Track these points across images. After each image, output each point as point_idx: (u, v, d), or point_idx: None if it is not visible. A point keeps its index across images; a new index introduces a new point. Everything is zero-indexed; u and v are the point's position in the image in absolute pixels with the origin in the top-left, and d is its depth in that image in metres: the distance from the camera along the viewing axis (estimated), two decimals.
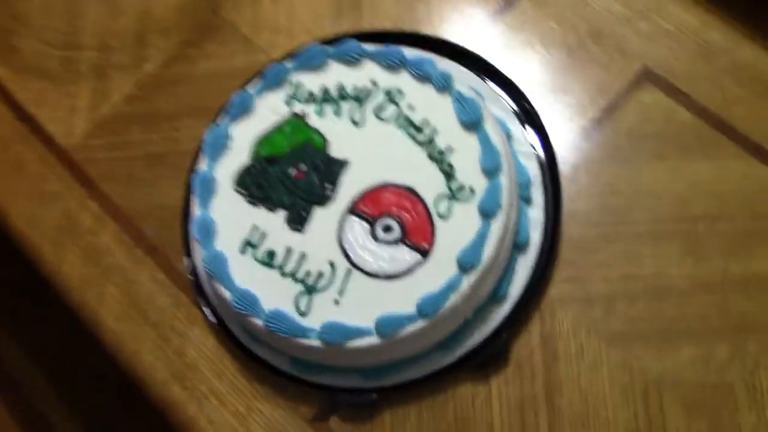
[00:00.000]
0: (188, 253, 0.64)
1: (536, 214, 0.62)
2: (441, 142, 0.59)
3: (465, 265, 0.55)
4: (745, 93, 0.65)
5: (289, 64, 0.64)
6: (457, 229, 0.56)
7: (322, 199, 0.58)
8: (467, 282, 0.55)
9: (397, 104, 0.60)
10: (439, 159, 0.58)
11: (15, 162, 0.72)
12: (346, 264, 0.56)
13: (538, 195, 0.63)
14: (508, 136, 0.63)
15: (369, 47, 0.63)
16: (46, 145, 0.72)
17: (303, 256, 0.57)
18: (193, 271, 0.64)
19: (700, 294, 0.60)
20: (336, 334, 0.54)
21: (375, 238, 0.57)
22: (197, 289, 0.64)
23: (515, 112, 0.65)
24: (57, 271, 0.67)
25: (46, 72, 0.75)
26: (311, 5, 0.73)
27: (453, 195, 0.57)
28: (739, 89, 0.65)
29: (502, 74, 0.67)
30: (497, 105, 0.65)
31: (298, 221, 0.58)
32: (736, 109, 0.65)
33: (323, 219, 0.58)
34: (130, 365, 0.63)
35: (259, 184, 0.59)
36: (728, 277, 0.60)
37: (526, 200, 0.62)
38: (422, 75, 0.61)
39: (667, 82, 0.66)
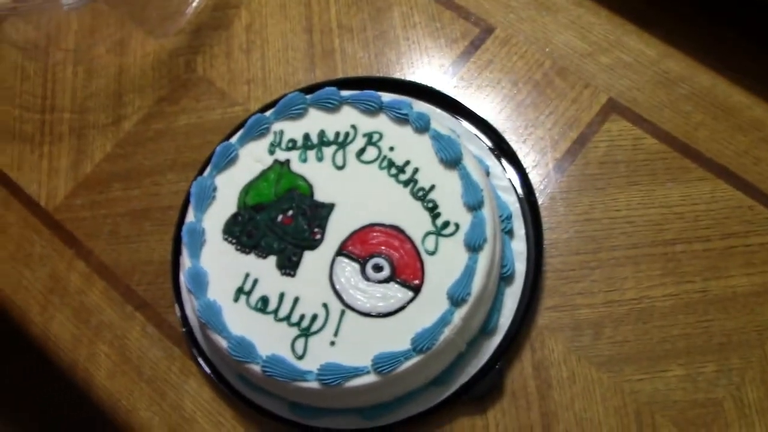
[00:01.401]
0: (180, 306, 0.65)
1: (519, 246, 0.64)
2: (423, 181, 0.60)
3: (455, 298, 0.56)
4: (705, 117, 0.68)
5: (269, 114, 0.65)
6: (445, 264, 0.57)
7: (312, 243, 0.59)
8: (459, 315, 0.56)
9: (377, 146, 0.62)
10: (423, 197, 0.60)
11: None
12: (339, 305, 0.57)
13: (519, 227, 0.64)
14: (486, 172, 0.65)
15: (346, 93, 0.65)
16: (29, 207, 0.72)
17: (296, 300, 0.58)
18: (186, 323, 0.64)
19: (683, 314, 0.62)
20: (334, 375, 0.54)
21: (366, 277, 0.58)
22: (191, 341, 0.64)
23: (490, 149, 0.68)
24: (46, 332, 0.67)
25: (23, 135, 0.75)
26: (285, 57, 0.75)
27: (439, 231, 0.59)
28: (700, 114, 0.69)
29: (475, 113, 0.69)
30: (473, 142, 0.67)
31: (289, 266, 0.59)
32: (698, 133, 0.68)
33: (314, 262, 0.59)
34: (126, 423, 0.63)
35: (248, 232, 0.60)
36: (708, 297, 0.62)
37: (509, 233, 0.64)
38: (400, 117, 0.62)
39: (632, 111, 0.69)
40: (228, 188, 0.62)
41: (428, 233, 0.59)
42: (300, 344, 0.56)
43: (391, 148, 0.62)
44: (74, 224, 0.71)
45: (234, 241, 0.60)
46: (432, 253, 0.58)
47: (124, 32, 0.79)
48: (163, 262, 0.67)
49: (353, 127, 0.63)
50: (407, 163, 0.61)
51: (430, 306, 0.56)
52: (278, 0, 0.78)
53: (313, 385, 0.55)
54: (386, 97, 0.64)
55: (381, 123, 0.63)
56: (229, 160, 0.63)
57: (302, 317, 0.57)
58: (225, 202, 0.62)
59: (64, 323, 0.67)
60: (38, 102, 0.77)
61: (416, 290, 0.57)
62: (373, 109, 0.63)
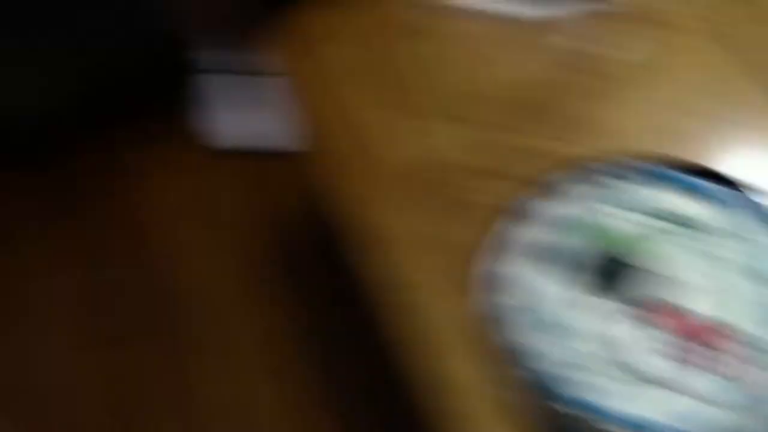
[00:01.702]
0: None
1: None
2: None
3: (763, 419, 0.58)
4: None
5: (622, 171, 0.68)
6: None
7: (648, 308, 0.63)
8: None
9: (738, 248, 0.64)
10: None
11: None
12: (663, 371, 0.61)
13: None
14: None
15: (709, 184, 0.67)
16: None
17: (623, 352, 0.62)
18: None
19: None
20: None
21: (687, 359, 0.61)
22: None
23: None
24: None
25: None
26: (671, 124, 0.77)
27: None
28: None
29: None
30: None
31: (622, 322, 0.63)
32: None
33: (646, 329, 0.62)
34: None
35: (589, 272, 0.65)
36: None
37: None
38: None
39: None
40: (572, 224, 0.67)
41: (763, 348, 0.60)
42: (621, 392, 0.60)
43: (754, 254, 0.64)
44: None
45: (576, 277, 0.65)
46: (761, 367, 0.60)
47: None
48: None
49: (713, 218, 0.65)
50: (765, 271, 0.63)
51: (737, 415, 0.59)
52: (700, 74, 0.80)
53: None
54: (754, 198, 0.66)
55: (755, 228, 0.65)
56: (575, 198, 0.68)
57: (631, 369, 0.61)
58: (566, 235, 0.66)
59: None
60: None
61: (738, 393, 0.59)
62: (748, 213, 0.65)
